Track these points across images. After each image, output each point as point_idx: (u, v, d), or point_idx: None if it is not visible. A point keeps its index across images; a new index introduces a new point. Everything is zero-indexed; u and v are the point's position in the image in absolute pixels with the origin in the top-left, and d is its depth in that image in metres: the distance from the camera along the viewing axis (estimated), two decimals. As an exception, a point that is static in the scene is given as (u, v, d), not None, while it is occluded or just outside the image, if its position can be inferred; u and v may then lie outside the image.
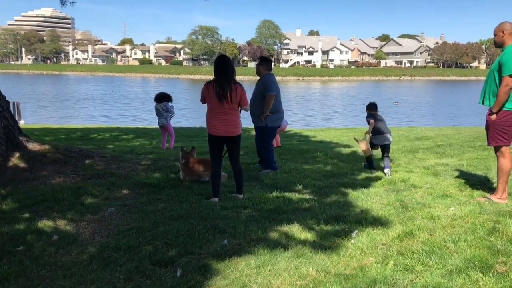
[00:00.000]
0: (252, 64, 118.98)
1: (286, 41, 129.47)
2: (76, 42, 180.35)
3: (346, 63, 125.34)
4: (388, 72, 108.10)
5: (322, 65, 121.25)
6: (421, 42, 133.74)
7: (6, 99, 7.03)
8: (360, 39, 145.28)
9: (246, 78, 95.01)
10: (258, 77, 7.44)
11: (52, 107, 32.46)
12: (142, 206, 5.30)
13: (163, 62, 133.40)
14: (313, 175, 6.96)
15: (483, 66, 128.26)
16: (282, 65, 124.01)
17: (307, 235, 4.30)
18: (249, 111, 7.73)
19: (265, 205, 5.29)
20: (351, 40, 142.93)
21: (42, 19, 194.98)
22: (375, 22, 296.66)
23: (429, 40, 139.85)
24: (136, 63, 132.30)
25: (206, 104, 5.55)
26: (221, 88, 5.25)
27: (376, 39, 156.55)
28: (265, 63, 7.47)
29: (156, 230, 4.47)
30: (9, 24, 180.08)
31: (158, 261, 3.74)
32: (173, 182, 6.29)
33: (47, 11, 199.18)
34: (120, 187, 6.05)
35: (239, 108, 5.53)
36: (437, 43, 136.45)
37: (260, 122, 7.25)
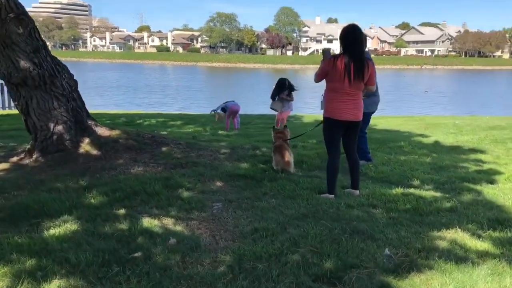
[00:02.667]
0: (271, 52, 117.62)
1: (305, 28, 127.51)
2: (93, 29, 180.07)
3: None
4: (410, 61, 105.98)
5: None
6: (442, 30, 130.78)
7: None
8: (379, 27, 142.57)
9: (265, 66, 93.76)
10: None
11: (85, 93, 31.84)
12: (251, 201, 4.53)
13: (180, 50, 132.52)
14: (420, 167, 6.13)
15: (506, 56, 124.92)
16: (301, 53, 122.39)
17: (483, 245, 3.48)
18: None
19: (396, 204, 4.47)
20: (370, 28, 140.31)
21: (59, 6, 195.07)
22: (395, 10, 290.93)
23: (451, 29, 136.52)
24: (154, 50, 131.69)
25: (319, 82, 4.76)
26: (351, 64, 4.42)
27: (396, 27, 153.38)
28: None
29: (286, 233, 3.70)
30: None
31: (318, 276, 2.97)
32: (269, 173, 5.51)
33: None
34: (211, 179, 5.30)
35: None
36: (459, 31, 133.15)
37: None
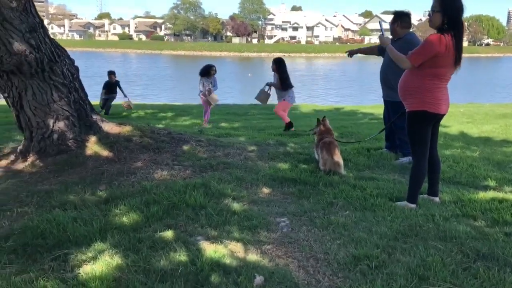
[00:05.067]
0: (236, 40, 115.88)
1: (270, 16, 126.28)
2: (50, 16, 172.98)
3: (331, 39, 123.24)
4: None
5: (307, 42, 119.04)
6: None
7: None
8: (343, 15, 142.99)
9: (231, 54, 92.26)
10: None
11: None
12: (322, 215, 3.68)
13: (143, 38, 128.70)
14: (480, 164, 5.44)
15: (465, 44, 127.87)
16: (267, 41, 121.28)
17: None
18: (381, 82, 6.15)
19: (499, 213, 3.71)
20: (334, 16, 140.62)
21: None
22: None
23: (412, 17, 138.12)
24: (116, 38, 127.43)
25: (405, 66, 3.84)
26: (458, 43, 3.60)
27: (359, 15, 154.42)
28: (401, 19, 5.79)
29: (396, 261, 2.88)
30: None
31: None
32: (321, 176, 4.67)
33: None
34: (254, 184, 4.42)
35: None
36: (420, 19, 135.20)
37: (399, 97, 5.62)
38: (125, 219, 3.47)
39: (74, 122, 4.95)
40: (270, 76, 8.76)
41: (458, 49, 3.57)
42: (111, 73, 12.62)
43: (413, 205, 3.89)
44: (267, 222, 3.49)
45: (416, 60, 3.65)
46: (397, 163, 5.56)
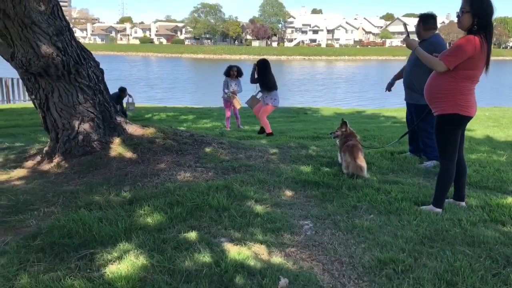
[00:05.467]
0: (256, 43, 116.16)
1: (290, 19, 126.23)
2: (73, 20, 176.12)
3: (351, 42, 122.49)
4: (395, 52, 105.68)
5: (327, 45, 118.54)
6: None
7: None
8: (364, 18, 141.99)
9: (251, 57, 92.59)
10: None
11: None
12: (344, 218, 3.64)
13: (164, 41, 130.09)
14: (507, 168, 5.32)
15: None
16: (286, 44, 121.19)
17: None
18: (404, 84, 6.06)
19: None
20: (355, 19, 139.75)
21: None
22: (379, 0, 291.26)
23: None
24: (137, 42, 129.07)
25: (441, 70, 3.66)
26: (489, 46, 3.54)
27: (381, 18, 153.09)
28: (424, 21, 5.69)
29: (423, 265, 2.83)
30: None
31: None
32: (344, 179, 4.63)
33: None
34: (277, 187, 4.41)
35: None
36: (443, 22, 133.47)
37: (424, 100, 5.54)
38: (149, 220, 3.50)
39: (99, 124, 5.02)
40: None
41: (488, 51, 3.51)
42: (123, 90, 12.07)
43: (439, 210, 3.82)
44: (291, 225, 3.48)
45: (451, 63, 3.57)
46: (422, 167, 5.48)
